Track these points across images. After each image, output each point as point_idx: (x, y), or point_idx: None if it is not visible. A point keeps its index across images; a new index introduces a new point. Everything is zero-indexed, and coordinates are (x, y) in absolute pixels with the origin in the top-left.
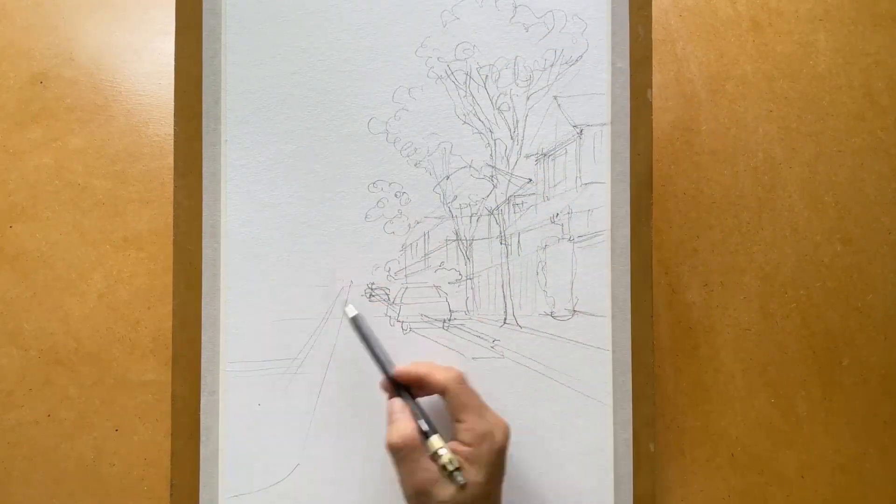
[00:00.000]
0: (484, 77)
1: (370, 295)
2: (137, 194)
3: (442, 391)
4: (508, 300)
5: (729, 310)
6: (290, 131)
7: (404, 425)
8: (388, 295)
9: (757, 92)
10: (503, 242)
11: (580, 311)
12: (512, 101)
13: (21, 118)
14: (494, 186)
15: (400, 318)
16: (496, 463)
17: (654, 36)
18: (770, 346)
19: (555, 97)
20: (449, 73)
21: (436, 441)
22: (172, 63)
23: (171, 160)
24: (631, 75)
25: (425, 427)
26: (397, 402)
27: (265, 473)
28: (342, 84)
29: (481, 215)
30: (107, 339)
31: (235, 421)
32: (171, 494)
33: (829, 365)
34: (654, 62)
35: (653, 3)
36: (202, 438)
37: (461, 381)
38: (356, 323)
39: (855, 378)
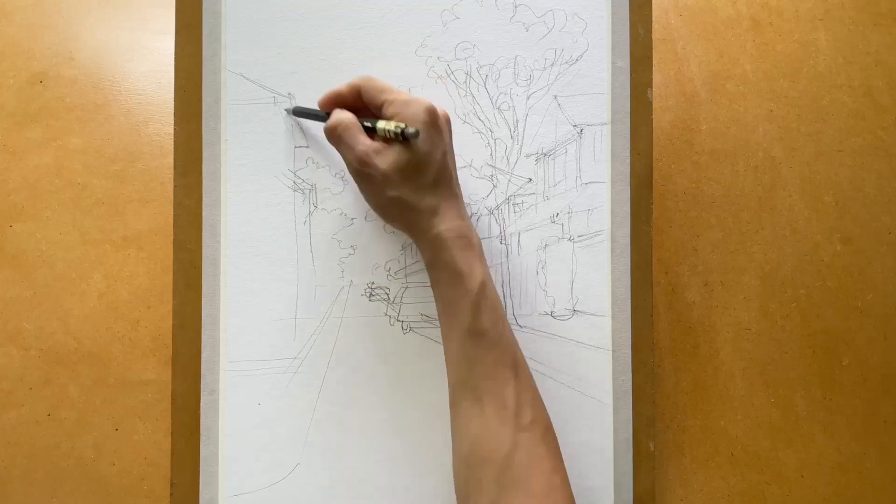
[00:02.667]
0: (484, 76)
1: (370, 295)
2: (137, 194)
3: (357, 92)
4: (508, 300)
5: (729, 309)
6: (289, 131)
7: (338, 113)
8: (388, 294)
9: (757, 91)
10: (503, 242)
11: (580, 311)
12: (512, 100)
13: (21, 118)
14: (494, 186)
15: (400, 318)
16: (429, 121)
17: (654, 35)
18: (770, 346)
19: (555, 97)
20: (449, 72)
21: (381, 123)
22: (172, 63)
23: (170, 160)
24: (631, 75)
25: (368, 123)
26: (337, 109)
27: (265, 473)
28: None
29: (481, 215)
30: (107, 338)
31: (235, 421)
32: (171, 494)
33: (829, 365)
34: (654, 61)
35: (653, 2)
36: (202, 438)
37: (370, 77)
38: (297, 111)
39: (855, 378)
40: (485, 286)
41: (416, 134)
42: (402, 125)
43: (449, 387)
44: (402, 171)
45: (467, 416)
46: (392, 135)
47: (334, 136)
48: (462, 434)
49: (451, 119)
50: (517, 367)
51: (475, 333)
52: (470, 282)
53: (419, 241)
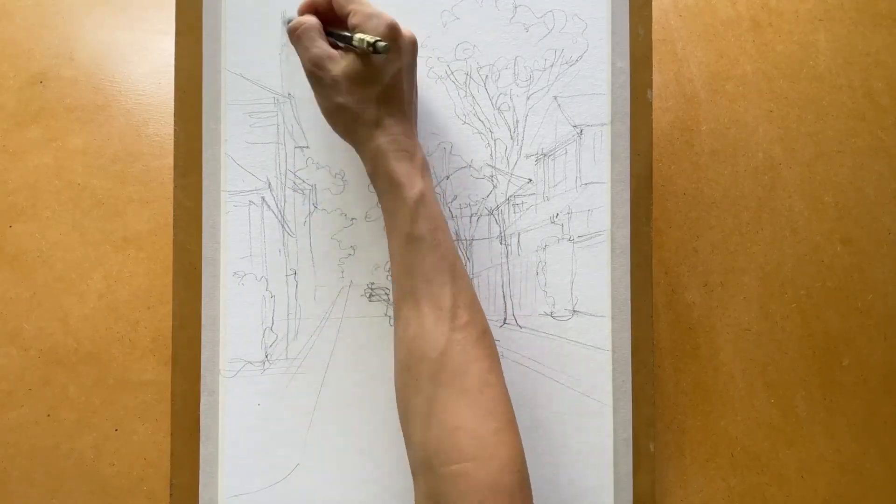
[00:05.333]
0: (484, 77)
1: (370, 295)
2: (137, 194)
3: (329, 7)
4: (508, 300)
5: (729, 310)
6: (289, 131)
7: (303, 17)
8: (388, 295)
9: (757, 92)
10: (503, 242)
11: (580, 311)
12: (512, 101)
13: (21, 118)
14: (494, 186)
15: None
16: (388, 37)
17: (654, 36)
18: (770, 346)
19: (555, 97)
20: (449, 72)
21: (357, 35)
22: (172, 63)
23: (171, 160)
24: (631, 75)
25: (338, 32)
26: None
27: (265, 473)
28: None
29: (481, 215)
30: (107, 339)
31: (235, 421)
32: (171, 494)
33: (829, 365)
34: (654, 62)
35: (653, 3)
36: (202, 438)
37: None
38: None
39: (855, 378)
40: (423, 196)
41: (387, 48)
42: (376, 38)
43: (392, 300)
44: (351, 80)
45: (406, 320)
46: (366, 45)
47: (294, 35)
48: (401, 338)
49: (452, 119)
50: (454, 272)
51: (413, 239)
52: (408, 191)
53: (361, 151)
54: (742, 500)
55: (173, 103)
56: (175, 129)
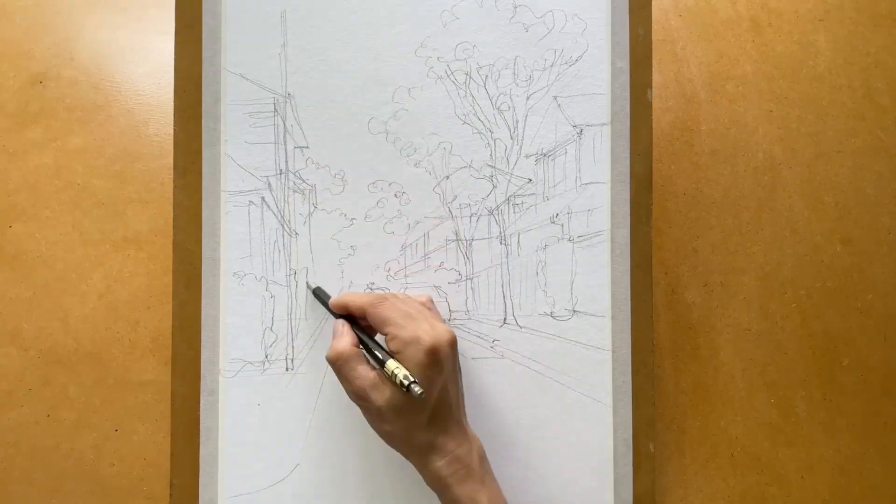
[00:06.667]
0: (484, 77)
1: None
2: (137, 194)
3: (363, 316)
4: (508, 300)
5: (729, 310)
6: (289, 131)
7: (340, 340)
8: None
9: (757, 92)
10: (503, 242)
11: (580, 311)
12: (512, 101)
13: (21, 118)
14: (494, 186)
15: None
16: (428, 364)
17: (654, 36)
18: (770, 346)
19: (555, 97)
20: (449, 73)
21: (390, 363)
22: (172, 63)
23: (171, 160)
24: (631, 75)
25: (378, 353)
26: (339, 322)
27: (265, 473)
28: (342, 84)
29: (481, 215)
30: (106, 339)
31: (235, 421)
32: (171, 494)
33: (829, 365)
34: (654, 62)
35: (653, 3)
36: (202, 438)
37: (379, 300)
38: (317, 293)
39: (855, 378)
40: None
41: (422, 395)
42: (408, 380)
43: None
44: (396, 410)
45: None
46: (398, 383)
47: (334, 367)
48: None
49: (452, 119)
50: None
51: None
52: None
53: (420, 471)
54: (742, 500)
55: (173, 103)
56: (175, 129)
